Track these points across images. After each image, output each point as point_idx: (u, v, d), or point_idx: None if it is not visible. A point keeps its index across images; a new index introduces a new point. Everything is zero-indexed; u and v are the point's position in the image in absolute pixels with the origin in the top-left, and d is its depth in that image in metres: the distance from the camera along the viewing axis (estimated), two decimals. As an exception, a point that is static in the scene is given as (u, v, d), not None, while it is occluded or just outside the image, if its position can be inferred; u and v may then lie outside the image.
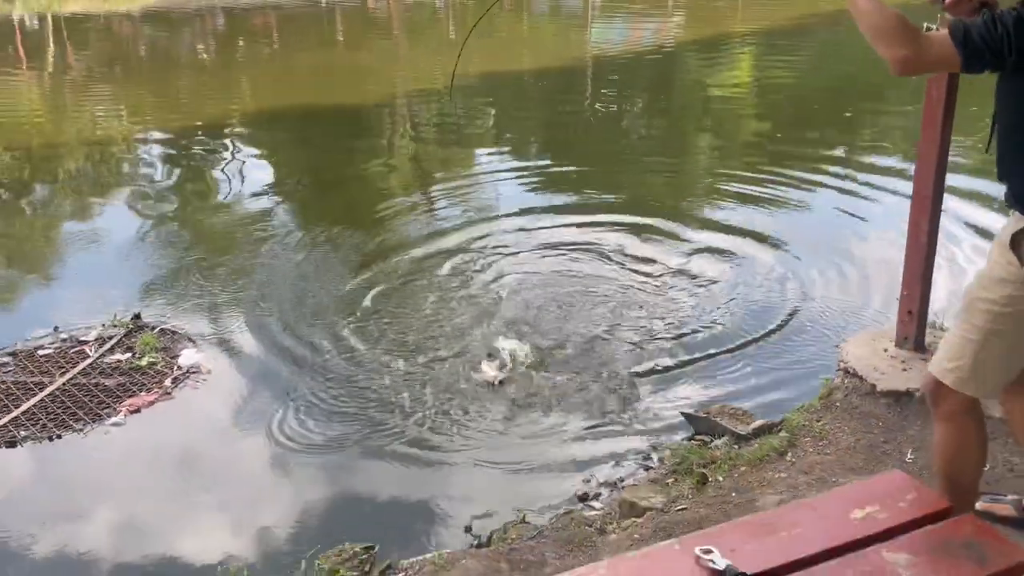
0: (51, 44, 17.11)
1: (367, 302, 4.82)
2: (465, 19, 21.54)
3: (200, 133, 9.08)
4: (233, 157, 8.28)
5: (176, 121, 9.84)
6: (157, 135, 9.23)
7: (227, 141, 8.89)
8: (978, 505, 2.55)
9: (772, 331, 4.34)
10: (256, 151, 8.63)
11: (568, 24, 20.49)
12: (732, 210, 6.13)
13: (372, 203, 6.74)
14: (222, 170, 7.86)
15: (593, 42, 16.66)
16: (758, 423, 3.34)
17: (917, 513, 1.97)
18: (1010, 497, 2.55)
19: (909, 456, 2.91)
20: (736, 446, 3.22)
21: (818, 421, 3.20)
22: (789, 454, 3.03)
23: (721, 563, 1.83)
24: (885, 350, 3.39)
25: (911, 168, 6.26)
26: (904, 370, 3.25)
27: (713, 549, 1.88)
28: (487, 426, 3.65)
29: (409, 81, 12.48)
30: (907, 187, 5.87)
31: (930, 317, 3.47)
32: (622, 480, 3.21)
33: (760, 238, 5.53)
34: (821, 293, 4.73)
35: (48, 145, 8.96)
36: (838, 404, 3.27)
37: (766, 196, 6.38)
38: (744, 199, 6.34)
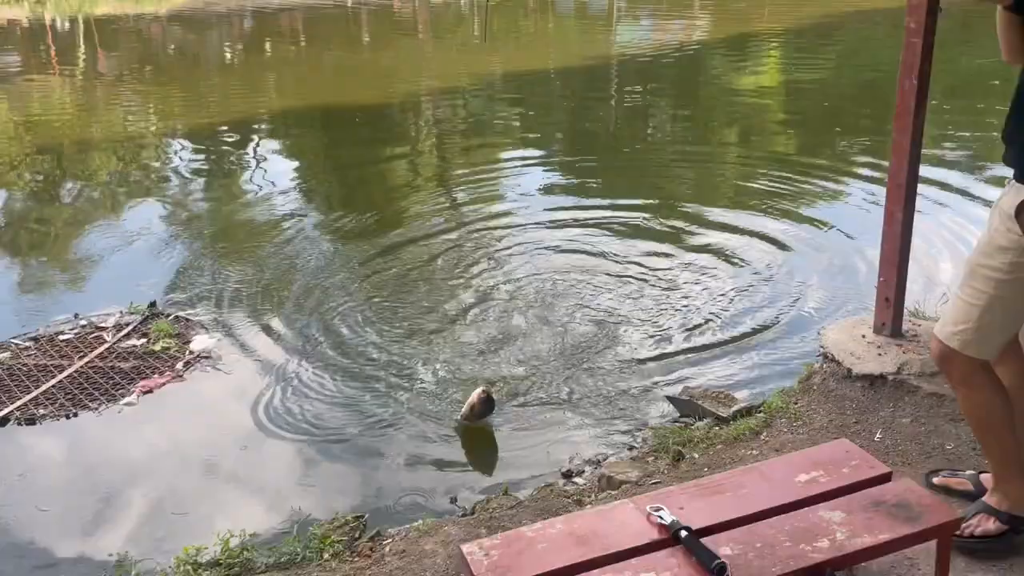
0: (82, 45, 17.52)
1: (378, 295, 5.00)
2: (491, 18, 21.73)
3: (226, 131, 9.33)
4: (257, 155, 8.51)
5: (203, 120, 10.13)
6: (184, 133, 9.51)
7: (252, 139, 9.13)
8: (935, 480, 2.66)
9: (771, 324, 4.44)
10: (280, 149, 8.88)
11: (593, 24, 20.58)
12: (755, 208, 6.19)
13: (394, 200, 6.95)
14: (245, 167, 8.11)
15: (619, 42, 16.76)
16: (739, 406, 3.46)
17: (857, 477, 2.11)
18: (968, 472, 2.65)
19: (877, 436, 3.02)
20: (717, 427, 3.34)
21: (795, 403, 3.32)
22: (764, 433, 3.15)
23: (668, 518, 1.98)
24: (863, 336, 3.49)
25: (928, 169, 6.45)
26: (880, 355, 3.36)
27: (663, 507, 2.04)
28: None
29: (434, 80, 12.67)
30: (926, 189, 6.08)
31: (909, 305, 3.58)
32: (605, 458, 3.34)
33: (776, 234, 5.63)
34: (830, 288, 4.82)
35: (77, 143, 9.27)
36: (815, 387, 3.38)
37: (789, 193, 6.48)
38: (768, 196, 6.43)
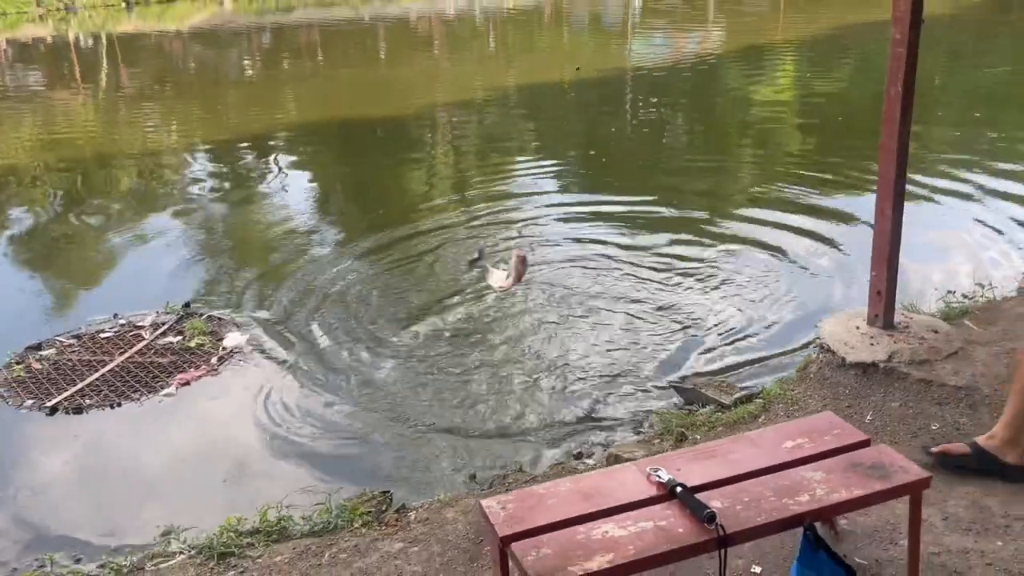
0: (104, 62, 17.99)
1: (397, 296, 5.27)
2: (506, 33, 22.11)
3: (247, 145, 9.67)
4: (277, 167, 8.83)
5: (224, 134, 10.48)
6: (206, 147, 9.85)
7: (273, 152, 9.47)
8: (933, 448, 2.88)
9: (777, 320, 4.66)
10: (300, 161, 9.19)
11: (608, 37, 20.88)
12: (768, 214, 6.37)
13: (412, 209, 7.21)
14: (267, 179, 8.42)
15: (634, 54, 17.04)
16: (740, 393, 3.69)
17: (838, 443, 2.34)
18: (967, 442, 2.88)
19: (868, 418, 3.23)
20: (719, 413, 3.56)
21: (792, 390, 3.54)
22: (762, 417, 3.37)
23: (666, 477, 2.22)
24: (857, 328, 3.71)
25: (959, 176, 6.70)
26: (872, 345, 3.57)
27: (661, 468, 2.27)
28: (500, 396, 4.05)
29: (450, 93, 12.99)
30: (944, 199, 6.31)
31: (902, 299, 3.80)
32: (614, 441, 3.57)
33: (794, 238, 5.84)
34: (834, 287, 5.03)
35: (104, 157, 9.63)
36: (812, 375, 3.60)
37: (802, 201, 6.67)
38: (781, 203, 6.63)
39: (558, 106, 11.93)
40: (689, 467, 2.28)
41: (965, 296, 4.38)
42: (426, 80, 14.70)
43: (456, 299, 5.17)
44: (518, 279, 3.27)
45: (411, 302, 5.17)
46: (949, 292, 4.48)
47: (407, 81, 14.53)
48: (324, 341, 4.70)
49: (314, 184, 8.29)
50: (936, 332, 3.66)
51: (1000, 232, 5.71)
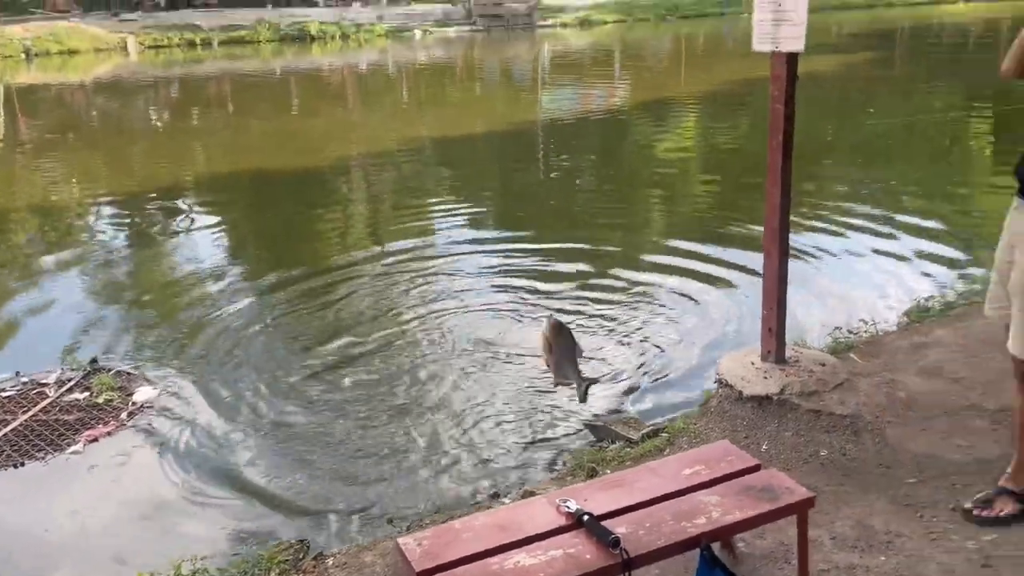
0: (1, 113, 17.42)
1: (307, 346, 5.29)
2: (419, 86, 22.45)
3: (155, 197, 9.54)
4: (186, 218, 8.74)
5: (131, 186, 10.30)
6: (112, 199, 9.65)
7: (181, 204, 9.37)
8: (978, 512, 2.85)
9: (683, 359, 4.88)
10: (209, 212, 9.10)
11: (519, 91, 21.43)
12: (676, 259, 6.64)
13: (323, 258, 7.23)
14: (175, 230, 8.32)
15: (545, 107, 17.56)
16: (647, 429, 3.86)
17: (732, 469, 2.52)
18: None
19: (764, 447, 3.44)
20: (628, 448, 3.72)
21: (695, 424, 3.73)
22: (667, 450, 3.54)
23: (574, 507, 2.34)
24: (752, 363, 3.95)
25: (846, 222, 7.17)
26: (765, 378, 3.80)
27: (570, 499, 2.39)
28: (414, 441, 4.11)
29: (364, 144, 13.09)
30: (835, 241, 6.74)
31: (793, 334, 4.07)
32: (530, 480, 3.68)
33: (699, 280, 6.10)
34: (738, 325, 5.30)
35: (2, 211, 9.32)
36: (713, 409, 3.81)
37: (707, 245, 6.96)
38: (688, 249, 6.91)
39: (472, 157, 12.20)
40: (596, 497, 2.42)
41: (851, 331, 4.70)
42: (340, 131, 14.79)
43: (368, 346, 5.23)
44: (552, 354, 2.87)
45: (321, 350, 5.21)
46: (836, 328, 4.79)
47: (320, 132, 14.59)
48: (234, 391, 4.69)
49: (224, 235, 8.22)
50: (823, 365, 3.92)
51: (885, 272, 6.13)
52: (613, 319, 5.51)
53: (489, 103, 18.89)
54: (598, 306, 5.73)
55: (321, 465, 3.95)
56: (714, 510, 2.32)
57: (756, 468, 2.54)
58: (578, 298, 5.90)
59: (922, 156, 10.91)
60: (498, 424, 4.24)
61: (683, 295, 5.89)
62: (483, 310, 5.74)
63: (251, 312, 5.86)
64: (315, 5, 38.79)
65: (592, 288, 6.10)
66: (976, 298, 4.94)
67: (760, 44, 3.58)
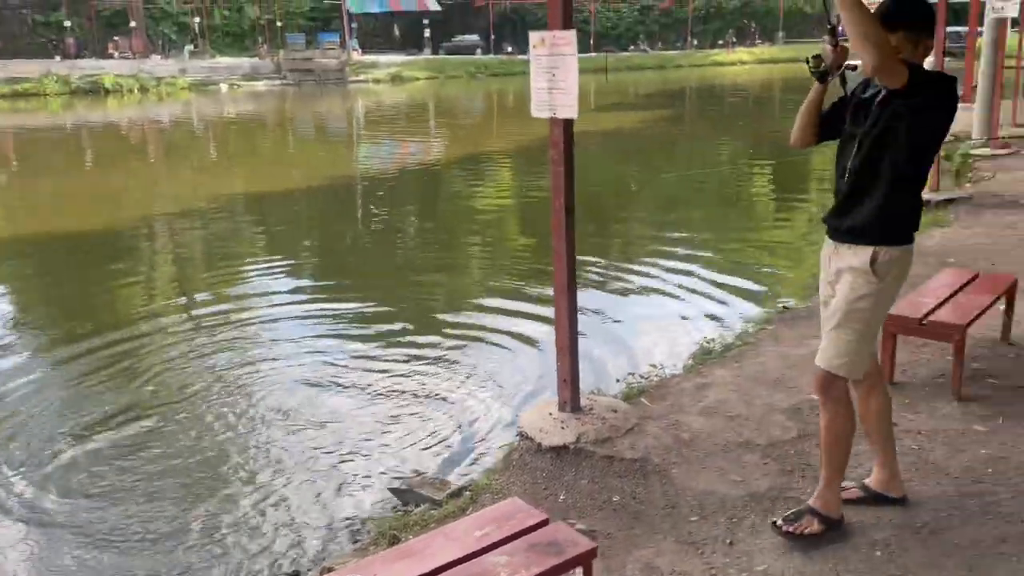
0: None
1: (91, 424, 4.90)
2: (228, 141, 21.73)
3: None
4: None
5: None
6: None
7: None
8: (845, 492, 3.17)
9: (488, 413, 4.94)
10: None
11: (335, 145, 21.26)
12: (490, 317, 6.71)
13: (124, 322, 6.77)
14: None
15: (362, 161, 17.50)
16: (451, 489, 3.87)
17: (520, 527, 2.56)
18: (851, 482, 3.24)
19: (561, 497, 3.54)
20: (432, 510, 3.70)
21: (498, 479, 3.78)
22: (470, 509, 3.56)
23: (361, 584, 2.28)
24: (551, 414, 4.08)
25: (643, 271, 7.60)
26: (562, 428, 3.94)
27: (359, 575, 2.34)
28: (205, 522, 3.89)
29: (170, 202, 12.44)
30: (633, 290, 7.10)
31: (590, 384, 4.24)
32: (332, 553, 3.57)
33: (516, 335, 6.18)
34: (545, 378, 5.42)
35: None
36: (514, 463, 3.88)
37: (524, 297, 7.15)
38: (504, 304, 7.02)
39: (289, 213, 11.95)
40: (387, 569, 2.39)
41: (643, 376, 4.97)
42: (143, 188, 14.03)
43: (165, 416, 4.94)
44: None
45: (110, 423, 4.85)
46: (630, 374, 5.05)
47: (120, 189, 13.76)
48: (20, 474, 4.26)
49: (7, 305, 7.52)
50: (616, 411, 4.12)
51: (676, 316, 6.55)
52: (429, 375, 5.52)
53: (304, 158, 18.62)
54: (415, 363, 5.72)
55: (93, 559, 3.64)
56: (503, 571, 2.36)
57: (544, 523, 2.60)
58: (395, 357, 5.87)
59: (712, 205, 11.86)
60: (301, 497, 4.10)
61: (500, 347, 6.00)
62: (296, 374, 5.58)
63: (30, 388, 5.36)
64: (110, 57, 36.83)
65: (410, 345, 6.11)
66: (750, 339, 5.39)
67: (538, 111, 3.78)
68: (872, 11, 2.71)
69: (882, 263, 2.82)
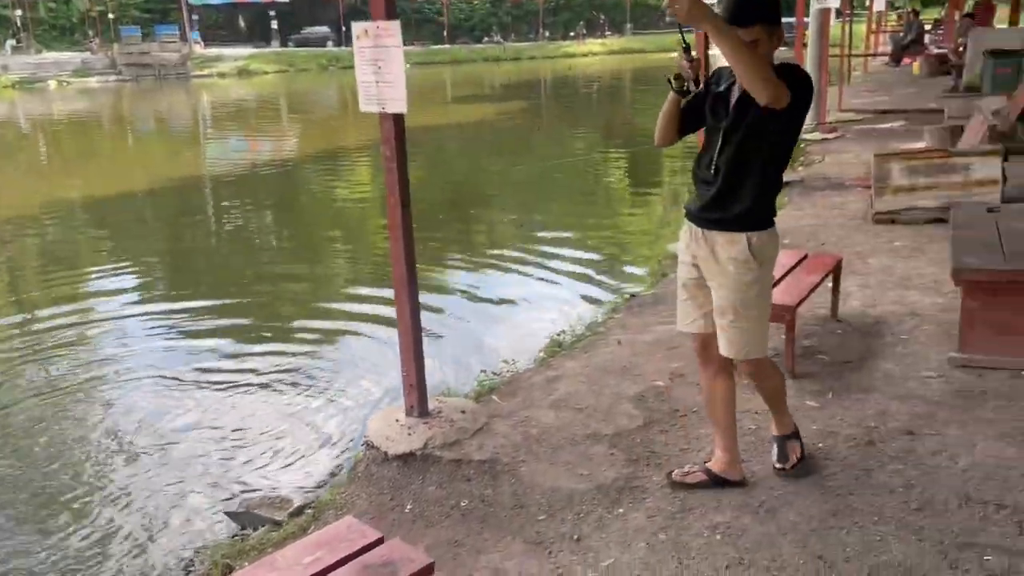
0: None
1: None
2: (60, 141, 20.14)
3: None
4: None
5: None
6: None
7: None
8: (674, 475, 3.32)
9: (350, 425, 4.73)
10: None
11: (178, 143, 20.13)
12: (346, 322, 6.47)
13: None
14: None
15: (211, 159, 16.63)
16: (293, 507, 3.66)
17: (354, 548, 2.41)
18: (694, 465, 3.35)
19: (408, 507, 3.41)
20: (272, 532, 3.49)
21: (343, 493, 3.61)
22: (311, 528, 3.37)
23: (171, 631, 2.06)
24: (397, 420, 3.94)
25: (497, 264, 7.53)
26: (409, 435, 3.81)
27: (171, 621, 2.11)
28: (16, 555, 3.52)
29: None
30: (487, 283, 7.01)
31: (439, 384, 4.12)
32: (160, 591, 3.30)
33: (374, 338, 5.98)
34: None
35: None
36: (360, 474, 3.71)
37: (385, 299, 6.86)
38: (367, 301, 6.82)
39: (133, 216, 11.22)
40: (201, 611, 2.18)
41: (494, 373, 4.90)
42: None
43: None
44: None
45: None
46: (482, 371, 4.98)
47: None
48: None
49: None
50: (465, 412, 4.02)
51: (529, 310, 6.55)
52: (278, 385, 5.26)
53: (146, 158, 17.54)
54: (265, 373, 5.45)
55: None
56: (330, 600, 2.20)
57: (379, 542, 2.46)
58: (242, 367, 5.57)
59: (567, 196, 11.99)
60: (131, 526, 3.77)
61: (355, 352, 5.81)
62: (133, 389, 5.22)
63: None
64: (-84, 52, 33.59)
65: (261, 353, 5.83)
66: (599, 328, 5.43)
67: (367, 105, 3.61)
68: (718, 10, 2.77)
69: (757, 247, 2.94)
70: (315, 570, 2.33)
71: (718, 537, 3.02)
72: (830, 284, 5.00)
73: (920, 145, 8.42)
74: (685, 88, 2.97)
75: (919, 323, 4.86)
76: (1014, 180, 6.78)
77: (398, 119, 3.59)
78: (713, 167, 2.95)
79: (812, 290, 4.53)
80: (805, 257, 4.99)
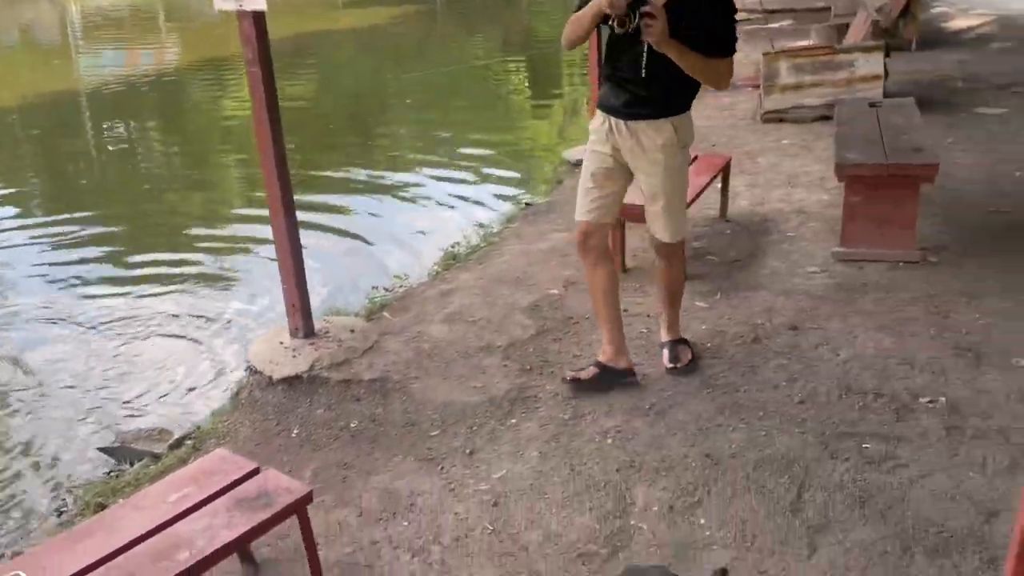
0: None
1: None
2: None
3: None
4: None
5: None
6: None
7: None
8: (568, 375, 3.33)
9: (229, 345, 4.51)
10: None
11: (47, 55, 18.53)
12: (248, 227, 6.27)
13: None
14: None
15: (85, 72, 15.39)
16: (175, 438, 3.48)
17: (226, 481, 2.26)
18: (588, 367, 3.35)
19: (295, 432, 3.28)
20: (151, 466, 3.31)
21: (225, 421, 3.45)
22: (192, 458, 3.21)
23: (19, 584, 1.91)
24: (282, 343, 3.77)
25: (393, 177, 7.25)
26: (295, 357, 3.65)
27: (22, 573, 1.95)
28: None
29: None
30: (382, 196, 6.74)
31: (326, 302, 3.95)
32: (32, 532, 3.10)
33: (263, 255, 5.64)
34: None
35: None
36: (244, 401, 3.55)
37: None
38: (258, 221, 6.39)
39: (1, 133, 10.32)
40: (56, 559, 2.02)
41: (387, 289, 4.75)
42: None
43: None
44: None
45: None
46: (374, 287, 4.82)
47: None
48: None
49: None
50: (353, 331, 3.88)
51: (425, 221, 6.34)
52: (166, 309, 4.97)
53: (13, 72, 16.09)
54: (147, 297, 5.17)
55: None
56: (200, 538, 2.08)
57: (254, 473, 2.34)
58: (123, 291, 5.27)
59: (464, 104, 11.63)
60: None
61: (242, 272, 5.54)
62: (6, 319, 4.84)
63: None
64: None
65: (143, 278, 5.51)
66: (494, 239, 5.32)
67: (222, 3, 3.29)
68: None
69: (681, 131, 3.10)
70: (183, 508, 2.20)
71: (609, 441, 3.02)
72: (719, 185, 5.01)
73: (807, 43, 8.46)
74: (626, 27, 2.84)
75: (805, 220, 4.94)
76: (895, 75, 6.90)
77: (259, 18, 3.29)
78: (640, 69, 2.97)
79: (702, 191, 4.52)
80: (695, 159, 4.95)
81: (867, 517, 2.56)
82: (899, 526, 2.51)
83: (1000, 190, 5.19)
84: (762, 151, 6.35)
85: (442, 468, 2.98)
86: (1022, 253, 4.29)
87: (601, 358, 3.34)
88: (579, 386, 3.29)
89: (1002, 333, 3.54)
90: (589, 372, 3.32)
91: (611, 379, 3.30)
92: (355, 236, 6.11)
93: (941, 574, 2.32)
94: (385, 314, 4.22)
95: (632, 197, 4.12)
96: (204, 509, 2.18)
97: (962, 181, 5.31)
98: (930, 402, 3.10)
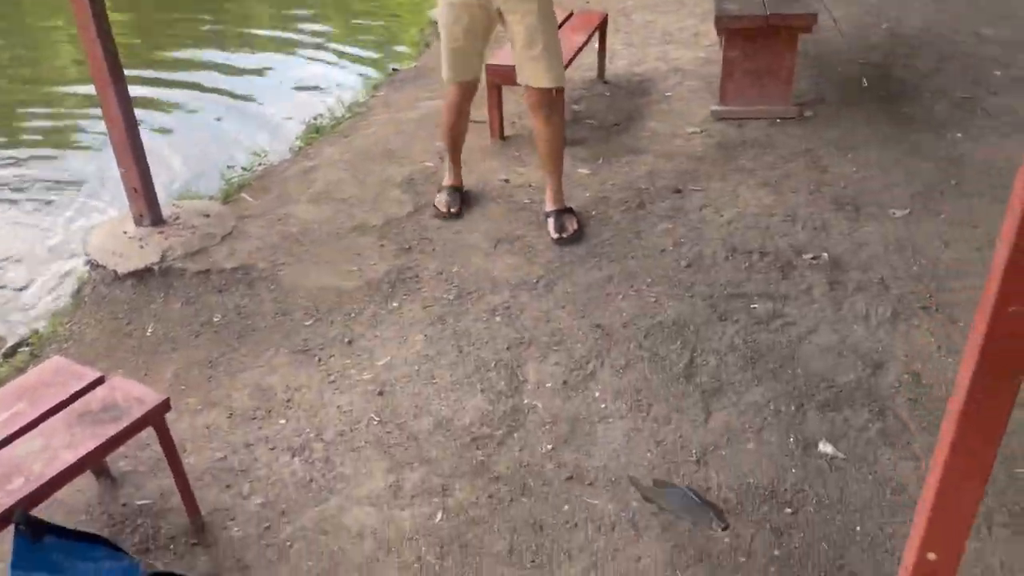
0: None
1: None
2: None
3: None
4: None
5: None
6: None
7: None
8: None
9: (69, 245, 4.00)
10: None
11: None
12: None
13: None
14: None
15: None
16: (8, 346, 3.08)
17: (65, 394, 1.97)
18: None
19: (150, 330, 2.95)
20: (-17, 378, 2.92)
21: (66, 324, 3.07)
22: (31, 366, 2.83)
23: None
24: (125, 232, 3.36)
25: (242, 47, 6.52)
26: (142, 248, 3.27)
27: None
28: None
29: None
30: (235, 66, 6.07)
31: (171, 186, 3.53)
32: None
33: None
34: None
35: None
36: (87, 299, 3.17)
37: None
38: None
39: None
40: None
41: (244, 169, 4.32)
42: None
43: None
44: None
45: None
46: (229, 167, 4.37)
47: None
48: None
49: None
50: (208, 216, 3.51)
51: (290, 93, 5.79)
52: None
53: None
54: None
55: None
56: (37, 461, 1.80)
57: (98, 383, 2.04)
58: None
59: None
60: None
61: (83, 156, 4.89)
62: None
63: None
64: None
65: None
66: (360, 108, 4.92)
67: None
68: None
69: None
70: (15, 428, 1.90)
71: (498, 319, 2.87)
72: (596, 45, 4.77)
73: None
74: None
75: (682, 79, 4.80)
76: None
77: None
78: None
79: (580, 49, 4.27)
80: (571, 15, 4.67)
81: (759, 377, 2.54)
82: (790, 384, 2.51)
83: (869, 43, 5.19)
84: (636, 7, 6.12)
85: (319, 359, 2.75)
86: (893, 103, 4.32)
87: (446, 183, 3.58)
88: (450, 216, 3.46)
89: (878, 185, 3.57)
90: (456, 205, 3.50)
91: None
92: (206, 114, 5.53)
93: (833, 429, 2.34)
94: (244, 195, 3.84)
95: (503, 58, 3.84)
96: (41, 428, 1.89)
97: (833, 33, 5.28)
98: (813, 258, 3.09)
